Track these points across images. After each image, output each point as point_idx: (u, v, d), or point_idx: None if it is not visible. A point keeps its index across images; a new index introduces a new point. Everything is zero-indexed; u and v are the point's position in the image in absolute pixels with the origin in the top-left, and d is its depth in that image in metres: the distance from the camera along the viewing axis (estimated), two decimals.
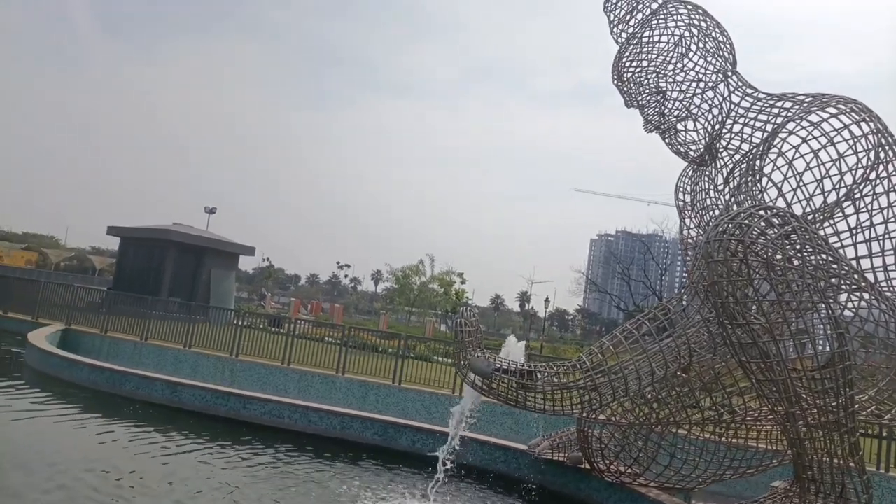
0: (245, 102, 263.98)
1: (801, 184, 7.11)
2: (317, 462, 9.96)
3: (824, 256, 6.05)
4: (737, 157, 8.04)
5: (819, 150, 7.00)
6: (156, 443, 9.91)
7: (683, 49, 8.29)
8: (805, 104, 7.36)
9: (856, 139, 6.92)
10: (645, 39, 8.45)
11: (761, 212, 5.93)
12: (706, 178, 8.51)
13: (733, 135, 8.04)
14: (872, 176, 6.90)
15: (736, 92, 8.16)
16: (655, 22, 8.47)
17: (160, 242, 29.74)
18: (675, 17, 8.39)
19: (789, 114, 7.39)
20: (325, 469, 9.67)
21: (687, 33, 8.29)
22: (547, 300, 55.95)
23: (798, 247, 5.96)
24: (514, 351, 8.07)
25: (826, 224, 7.19)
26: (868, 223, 6.96)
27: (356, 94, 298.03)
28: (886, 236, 6.93)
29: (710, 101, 8.23)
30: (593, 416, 8.49)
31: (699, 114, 8.29)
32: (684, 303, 8.70)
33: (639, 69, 8.47)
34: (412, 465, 10.21)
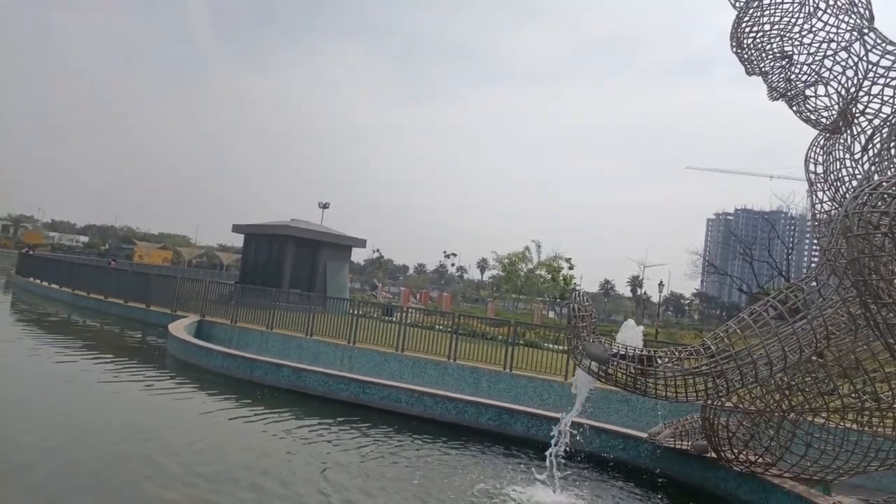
0: (355, 99, 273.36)
1: None
2: (434, 446, 10.20)
3: None
4: (876, 121, 7.33)
5: None
6: (281, 422, 10.57)
7: (811, 8, 7.64)
8: None
9: None
10: (767, 1, 7.87)
11: None
12: (840, 147, 7.83)
13: (872, 97, 7.33)
14: None
15: (874, 50, 7.42)
16: None
17: (280, 238, 31.44)
18: None
19: None
20: (442, 453, 9.88)
21: None
22: (661, 284, 53.77)
23: None
24: (631, 335, 7.84)
25: None
26: None
27: (461, 83, 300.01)
28: None
29: (843, 63, 7.54)
30: (719, 404, 8.09)
31: (831, 77, 7.62)
32: (816, 283, 8.07)
33: (760, 34, 7.91)
34: (528, 450, 10.23)
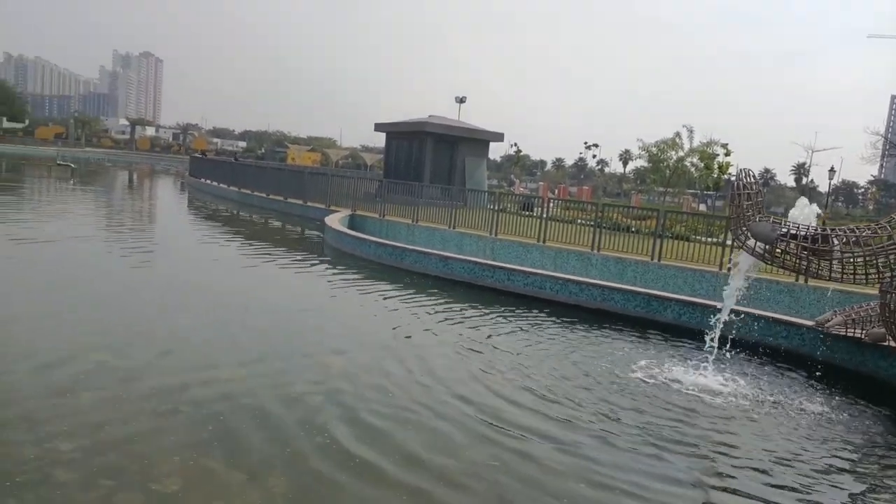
0: None
1: None
2: (584, 329, 10.27)
3: None
4: None
5: None
6: (429, 305, 11.11)
7: None
8: None
9: None
10: None
11: None
12: None
13: None
14: None
15: None
16: None
17: (419, 135, 31.80)
18: None
19: None
20: (593, 335, 9.94)
21: None
22: (832, 170, 48.31)
23: None
24: (804, 214, 7.15)
25: None
26: None
27: None
28: None
29: None
30: None
31: None
32: None
33: None
34: (681, 337, 10.00)
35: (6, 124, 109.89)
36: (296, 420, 5.69)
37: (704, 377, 7.98)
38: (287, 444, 5.18)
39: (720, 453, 5.91)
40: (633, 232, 18.21)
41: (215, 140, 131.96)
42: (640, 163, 52.66)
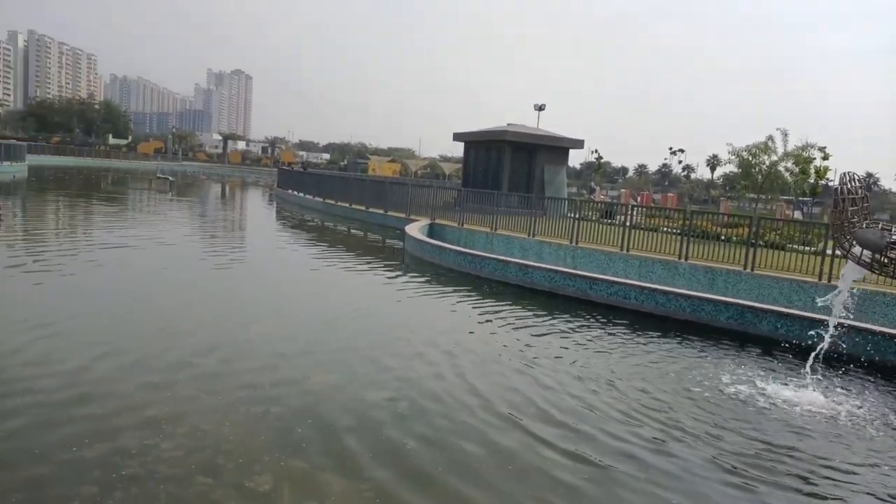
0: None
1: None
2: (673, 341, 9.89)
3: None
4: None
5: None
6: (511, 313, 11.02)
7: None
8: None
9: None
10: None
11: None
12: None
13: None
14: None
15: None
16: None
17: (497, 143, 31.81)
18: None
19: None
20: (685, 348, 9.56)
21: None
22: None
23: None
24: None
25: None
26: None
27: None
28: None
29: None
30: None
31: None
32: None
33: None
34: (777, 350, 9.46)
35: (112, 140, 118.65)
36: (383, 423, 5.77)
37: (807, 393, 7.50)
38: (376, 448, 5.25)
39: (827, 478, 5.51)
40: (722, 240, 17.44)
41: (301, 153, 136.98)
42: (730, 168, 50.39)
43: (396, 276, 14.69)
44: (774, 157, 35.89)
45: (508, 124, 34.62)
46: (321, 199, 32.47)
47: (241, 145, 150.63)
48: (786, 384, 7.91)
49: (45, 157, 68.76)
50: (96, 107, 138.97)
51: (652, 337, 10.07)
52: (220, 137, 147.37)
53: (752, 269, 14.52)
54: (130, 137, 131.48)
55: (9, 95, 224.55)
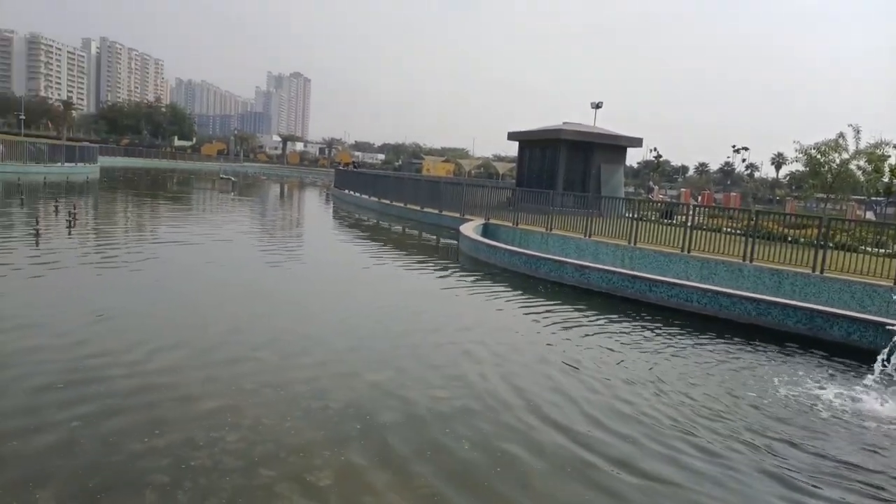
0: None
1: None
2: (735, 346, 9.56)
3: None
4: None
5: None
6: (568, 315, 10.87)
7: None
8: None
9: None
10: None
11: None
12: None
13: None
14: None
15: None
16: None
17: (552, 142, 31.50)
18: None
19: None
20: (748, 353, 9.21)
21: None
22: None
23: None
24: None
25: None
26: None
27: None
28: None
29: None
30: None
31: None
32: None
33: None
34: (850, 357, 9.03)
35: (177, 142, 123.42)
36: (439, 423, 5.78)
37: (879, 404, 7.11)
38: (432, 446, 5.27)
39: None
40: (789, 241, 16.74)
41: (357, 153, 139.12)
42: (797, 167, 48.32)
43: (450, 275, 14.71)
44: (845, 155, 34.26)
45: (564, 123, 34.22)
46: (377, 199, 32.88)
47: (300, 146, 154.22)
48: (856, 393, 7.52)
49: (115, 158, 72.15)
50: (163, 110, 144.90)
51: (713, 341, 9.76)
52: (280, 139, 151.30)
53: (822, 272, 13.90)
54: (195, 139, 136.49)
55: (83, 100, 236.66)
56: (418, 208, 27.95)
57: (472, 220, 22.30)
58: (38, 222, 15.46)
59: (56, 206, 21.11)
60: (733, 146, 77.86)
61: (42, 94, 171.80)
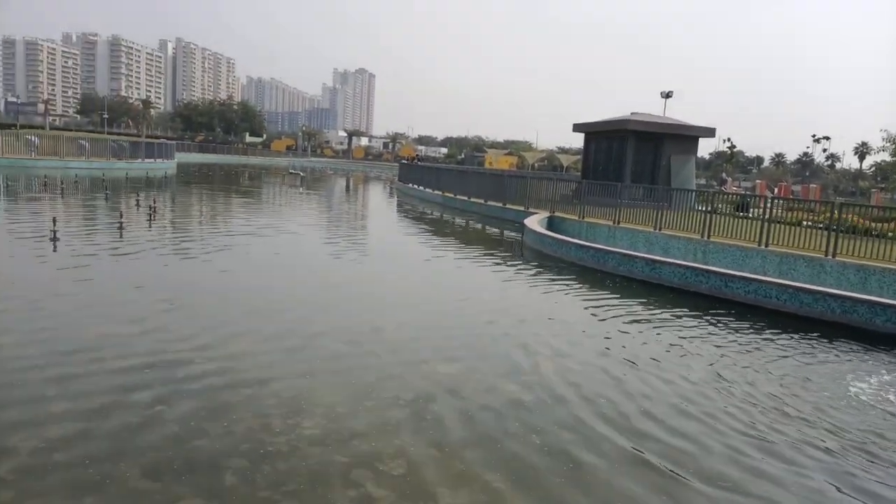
0: None
1: None
2: (818, 345, 9.08)
3: None
4: None
5: None
6: (640, 310, 10.59)
7: None
8: None
9: None
10: None
11: None
12: None
13: None
14: None
15: None
16: None
17: (619, 133, 30.72)
18: None
19: None
20: (831, 353, 8.74)
21: None
22: None
23: None
24: None
25: None
26: None
27: None
28: None
29: None
30: None
31: None
32: None
33: None
34: None
35: (248, 138, 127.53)
36: (509, 418, 5.75)
37: None
38: (501, 441, 5.24)
39: None
40: (875, 235, 15.77)
41: (420, 147, 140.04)
42: (883, 157, 45.43)
43: (514, 269, 14.61)
44: None
45: (632, 113, 33.33)
46: (440, 193, 33.00)
47: (364, 141, 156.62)
48: None
49: (191, 154, 75.36)
50: (235, 107, 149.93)
51: (793, 339, 9.29)
52: (345, 134, 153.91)
53: None
54: (265, 135, 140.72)
55: (160, 99, 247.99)
56: (482, 201, 27.88)
57: (536, 213, 22.06)
58: (121, 216, 16.27)
59: (137, 201, 22.18)
60: (813, 136, 73.97)
61: (123, 93, 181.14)
